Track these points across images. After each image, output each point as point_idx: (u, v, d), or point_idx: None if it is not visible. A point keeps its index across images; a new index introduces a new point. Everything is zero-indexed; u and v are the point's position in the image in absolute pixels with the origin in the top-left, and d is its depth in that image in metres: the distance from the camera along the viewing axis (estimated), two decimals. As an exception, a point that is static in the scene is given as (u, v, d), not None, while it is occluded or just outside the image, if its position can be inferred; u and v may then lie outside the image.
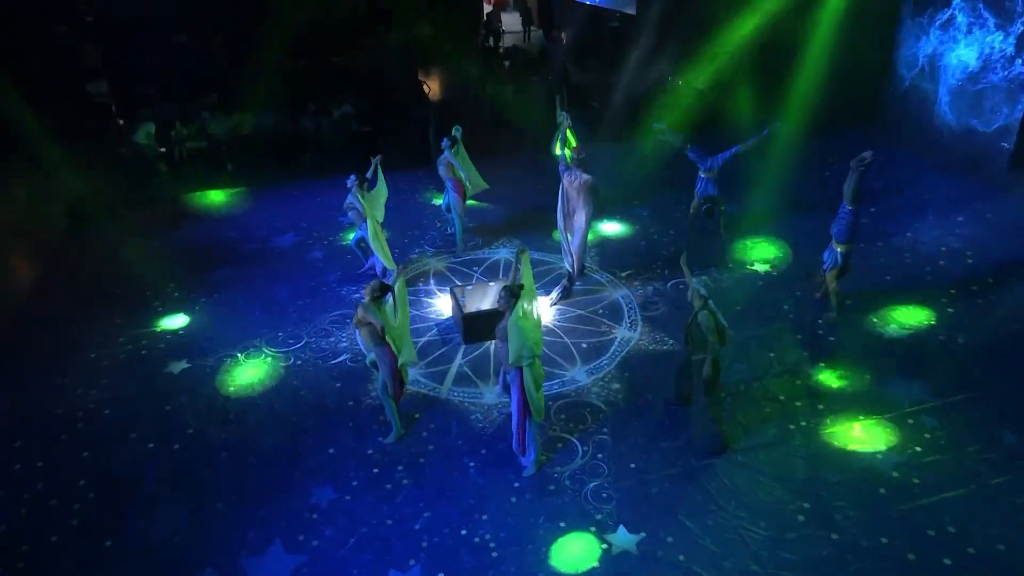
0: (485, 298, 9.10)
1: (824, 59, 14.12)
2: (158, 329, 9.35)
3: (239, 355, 8.79)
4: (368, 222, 9.40)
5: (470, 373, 8.38)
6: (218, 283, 10.40)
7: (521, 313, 6.36)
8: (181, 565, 6.13)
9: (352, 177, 9.55)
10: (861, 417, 7.45)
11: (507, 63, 20.37)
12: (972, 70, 12.69)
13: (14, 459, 7.32)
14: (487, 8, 28.46)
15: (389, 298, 7.06)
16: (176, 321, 9.52)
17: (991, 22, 12.28)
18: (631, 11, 18.84)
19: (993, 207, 11.35)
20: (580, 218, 9.30)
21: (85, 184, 13.06)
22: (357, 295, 9.90)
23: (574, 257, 9.50)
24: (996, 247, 10.37)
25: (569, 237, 9.47)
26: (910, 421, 7.37)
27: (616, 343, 8.78)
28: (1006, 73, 12.06)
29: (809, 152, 13.09)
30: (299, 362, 8.64)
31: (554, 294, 9.65)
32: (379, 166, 9.94)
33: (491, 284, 9.37)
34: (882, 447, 7.05)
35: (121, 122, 15.86)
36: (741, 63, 14.77)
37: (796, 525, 6.28)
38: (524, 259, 6.71)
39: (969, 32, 12.68)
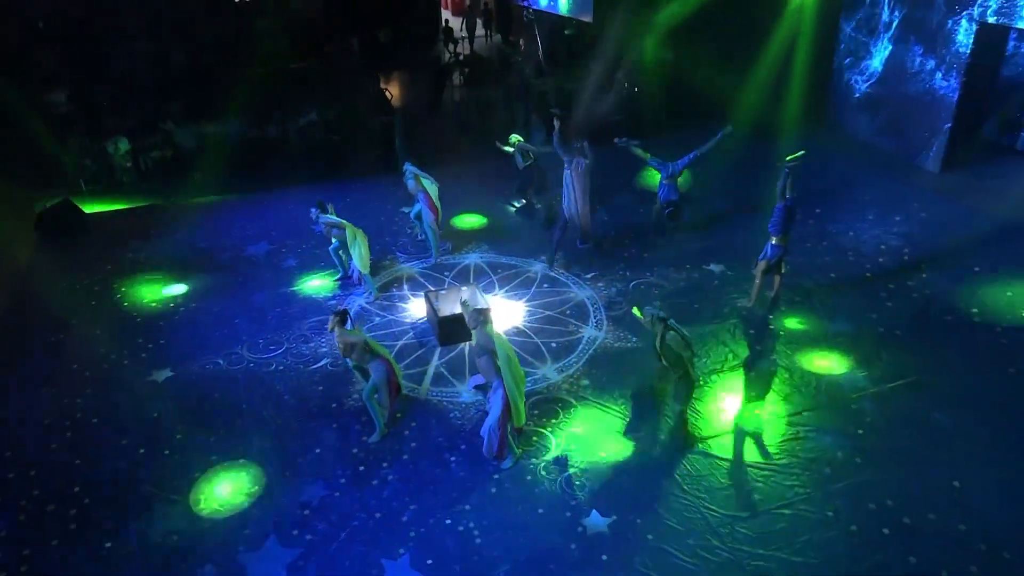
0: (458, 301, 9.55)
1: (777, 64, 15.00)
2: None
3: (221, 362, 9.11)
4: (347, 231, 9.88)
5: (446, 373, 8.83)
6: (195, 292, 10.66)
7: (496, 331, 7.03)
8: (182, 562, 6.46)
9: (313, 211, 10.12)
10: (810, 404, 8.12)
11: (467, 70, 20.81)
12: (892, 82, 13.66)
13: (7, 468, 7.54)
14: (446, 14, 28.89)
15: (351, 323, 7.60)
16: (154, 334, 9.79)
17: (912, 43, 13.20)
18: (588, 19, 19.45)
19: (926, 207, 12.23)
20: (587, 195, 10.72)
21: (52, 196, 13.12)
22: (333, 301, 10.29)
23: (583, 223, 10.88)
24: (930, 244, 11.21)
25: (582, 213, 10.76)
26: (853, 407, 8.06)
27: (583, 342, 9.32)
28: (926, 86, 13.02)
29: (762, 154, 13.83)
30: (281, 368, 8.99)
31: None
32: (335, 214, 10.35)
33: (464, 288, 9.83)
34: (828, 431, 7.72)
35: (81, 131, 15.85)
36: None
37: (752, 503, 6.89)
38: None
39: (892, 46, 13.61)
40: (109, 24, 18.45)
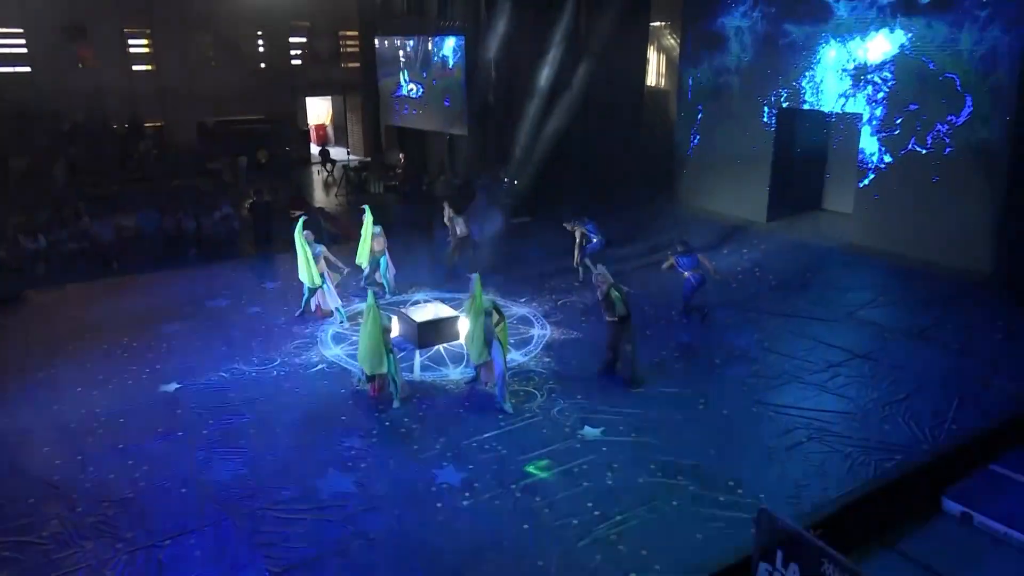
0: (427, 313, 11.27)
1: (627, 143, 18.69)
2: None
3: (224, 375, 10.12)
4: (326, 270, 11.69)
5: (431, 363, 10.47)
6: (173, 334, 11.51)
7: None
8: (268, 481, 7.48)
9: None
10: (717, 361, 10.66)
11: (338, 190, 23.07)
12: (722, 155, 17.74)
13: (52, 471, 8.15)
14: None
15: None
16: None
17: (726, 125, 17.39)
18: (462, 132, 22.42)
19: (763, 241, 15.91)
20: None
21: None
22: (309, 330, 11.61)
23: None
24: (770, 264, 14.62)
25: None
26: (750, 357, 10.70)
27: (536, 337, 11.38)
28: (747, 157, 17.09)
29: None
30: (284, 371, 10.19)
31: None
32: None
33: (428, 305, 11.60)
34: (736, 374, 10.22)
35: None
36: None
37: (696, 413, 9.12)
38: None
39: (717, 126, 17.76)
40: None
